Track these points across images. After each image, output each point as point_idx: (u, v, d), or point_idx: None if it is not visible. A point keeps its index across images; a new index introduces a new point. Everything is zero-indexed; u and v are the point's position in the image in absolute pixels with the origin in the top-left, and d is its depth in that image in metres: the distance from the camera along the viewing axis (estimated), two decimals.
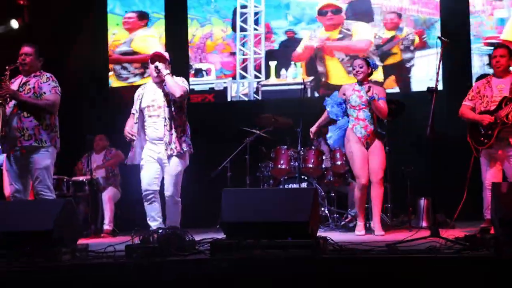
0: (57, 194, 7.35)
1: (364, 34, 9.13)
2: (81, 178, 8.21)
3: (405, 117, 7.40)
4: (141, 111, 5.86)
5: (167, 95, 5.76)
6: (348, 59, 8.98)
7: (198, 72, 9.68)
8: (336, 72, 9.18)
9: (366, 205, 6.71)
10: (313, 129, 6.89)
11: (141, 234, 4.66)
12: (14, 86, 5.82)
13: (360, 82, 6.46)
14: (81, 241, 4.98)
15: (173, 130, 5.70)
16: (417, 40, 8.92)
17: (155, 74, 5.80)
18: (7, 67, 5.83)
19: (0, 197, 7.21)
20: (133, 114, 5.92)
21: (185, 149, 5.76)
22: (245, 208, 4.55)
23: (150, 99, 5.83)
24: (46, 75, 5.92)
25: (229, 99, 9.55)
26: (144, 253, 4.33)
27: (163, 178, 5.79)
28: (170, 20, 9.78)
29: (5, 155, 5.91)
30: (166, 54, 6.01)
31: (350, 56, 8.99)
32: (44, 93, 5.82)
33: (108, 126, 8.69)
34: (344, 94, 6.52)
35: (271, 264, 4.08)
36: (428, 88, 5.28)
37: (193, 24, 9.69)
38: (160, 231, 4.73)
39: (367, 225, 6.66)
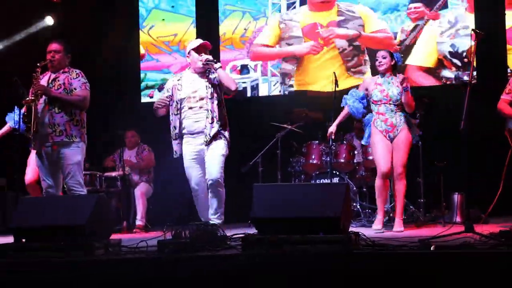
0: (90, 190, 7.44)
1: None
2: (113, 174, 8.27)
3: (438, 111, 7.32)
4: (178, 102, 5.78)
5: (211, 87, 5.71)
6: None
7: (244, 68, 9.65)
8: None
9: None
10: (332, 129, 6.62)
11: (173, 229, 4.67)
12: (43, 82, 5.87)
13: (382, 74, 6.34)
14: (114, 236, 5.01)
15: (215, 123, 5.68)
16: None
17: (201, 65, 5.73)
18: (38, 64, 5.89)
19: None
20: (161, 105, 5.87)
21: (227, 140, 5.76)
22: (276, 203, 4.54)
23: (190, 90, 5.76)
24: (76, 71, 5.95)
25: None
26: (176, 248, 4.35)
27: None
28: (201, 13, 9.80)
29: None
30: (209, 43, 5.95)
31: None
32: (75, 89, 5.86)
33: (140, 121, 8.74)
34: (366, 89, 6.40)
35: (302, 259, 4.06)
36: (462, 81, 5.21)
37: (245, 17, 9.65)
38: (192, 226, 4.74)
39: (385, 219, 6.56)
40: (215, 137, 5.68)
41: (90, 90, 5.95)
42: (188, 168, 5.81)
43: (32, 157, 6.83)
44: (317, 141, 8.07)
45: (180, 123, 5.77)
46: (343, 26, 9.18)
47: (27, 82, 6.03)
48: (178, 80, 5.87)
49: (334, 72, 7.11)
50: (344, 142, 8.03)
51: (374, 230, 6.15)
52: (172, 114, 5.83)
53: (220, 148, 5.70)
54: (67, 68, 5.96)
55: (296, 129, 8.18)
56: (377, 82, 6.35)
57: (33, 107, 5.73)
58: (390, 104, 6.25)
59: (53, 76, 5.92)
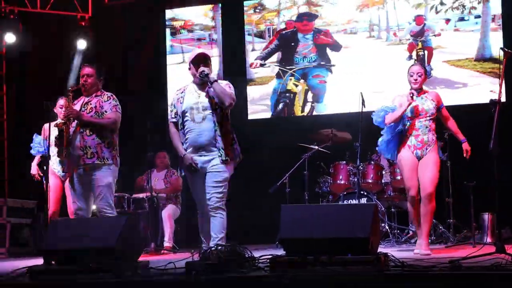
0: (118, 211, 7.48)
1: None
2: (141, 195, 8.32)
3: (467, 130, 7.25)
4: (181, 114, 5.49)
5: (213, 98, 5.40)
6: None
7: None
8: None
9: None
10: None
11: (201, 250, 4.67)
12: (77, 107, 5.95)
13: (417, 91, 6.14)
14: (142, 258, 5.03)
15: (219, 136, 5.38)
16: None
17: (200, 78, 5.42)
18: (70, 88, 5.97)
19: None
20: (173, 122, 5.54)
21: (234, 157, 5.47)
22: (304, 224, 4.52)
23: (193, 101, 5.45)
24: (107, 94, 6.02)
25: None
26: (204, 270, 4.34)
27: None
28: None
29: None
30: (209, 53, 5.65)
31: None
32: (106, 111, 5.91)
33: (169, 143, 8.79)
34: (401, 105, 6.14)
35: (331, 280, 4.03)
36: (491, 100, 5.16)
37: None
38: (220, 247, 4.74)
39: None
40: (223, 156, 5.36)
41: (121, 112, 6.00)
42: (191, 184, 5.55)
43: (52, 184, 6.90)
44: (344, 162, 8.05)
45: (184, 137, 5.48)
46: None
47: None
48: (181, 93, 5.57)
49: (361, 92, 7.10)
50: (372, 162, 7.99)
51: (414, 253, 5.99)
52: (180, 130, 5.54)
53: (225, 171, 5.39)
54: (100, 91, 6.03)
55: (323, 149, 8.17)
56: (409, 98, 6.12)
57: (64, 130, 5.81)
58: (425, 119, 6.08)
59: (86, 99, 5.99)
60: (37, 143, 7.20)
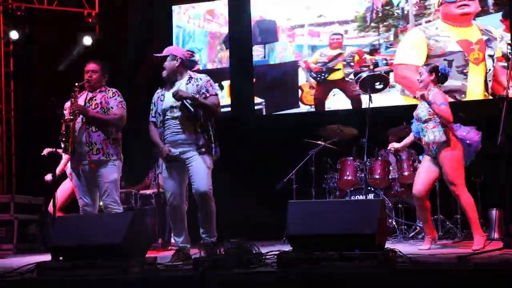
0: (125, 208, 7.49)
1: None
2: (148, 192, 8.33)
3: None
4: (161, 113, 5.58)
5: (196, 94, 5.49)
6: None
7: None
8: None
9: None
10: (397, 146, 6.41)
11: (208, 246, 4.67)
12: (80, 101, 5.96)
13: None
14: (149, 254, 5.04)
15: (200, 133, 5.47)
16: None
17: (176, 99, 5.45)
18: (76, 84, 5.98)
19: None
20: (153, 122, 5.67)
21: (210, 151, 5.52)
22: (311, 220, 4.51)
23: (173, 99, 5.50)
24: (112, 90, 6.03)
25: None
26: (211, 266, 4.35)
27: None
28: None
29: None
30: (176, 50, 5.76)
31: None
32: (111, 108, 5.93)
33: None
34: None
35: (339, 276, 4.02)
36: (498, 96, 5.14)
37: None
38: (227, 243, 4.74)
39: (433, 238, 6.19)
40: (201, 149, 5.47)
41: (126, 109, 6.01)
42: (166, 180, 5.65)
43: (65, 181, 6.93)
44: (351, 157, 8.04)
45: (164, 135, 5.59)
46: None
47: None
48: (162, 91, 5.68)
49: (368, 89, 7.09)
50: (379, 158, 7.98)
51: (419, 249, 5.94)
52: (159, 128, 5.64)
53: (206, 160, 5.49)
54: (104, 87, 6.04)
55: (330, 145, 8.16)
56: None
57: (71, 126, 5.82)
58: (419, 124, 6.03)
59: (90, 95, 6.00)
60: None
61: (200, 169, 5.47)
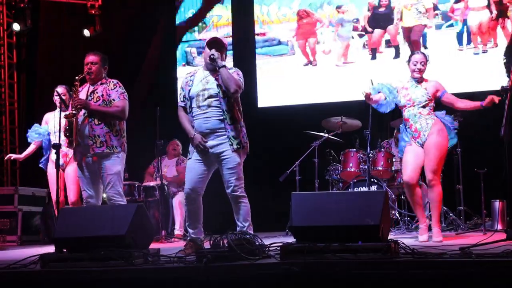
0: (129, 200, 7.51)
1: None
2: (152, 184, 8.34)
3: (478, 117, 7.22)
4: (189, 98, 5.45)
5: (222, 86, 5.35)
6: None
7: None
8: None
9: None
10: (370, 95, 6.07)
11: (211, 238, 4.68)
12: (82, 95, 5.95)
13: (416, 80, 6.04)
14: (153, 246, 5.05)
15: (228, 124, 5.35)
16: None
17: (209, 62, 5.34)
18: (76, 78, 5.96)
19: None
20: (182, 107, 5.51)
21: (244, 144, 5.45)
22: (314, 212, 4.51)
23: (200, 87, 5.40)
24: (113, 82, 6.01)
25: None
26: (214, 258, 4.35)
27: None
28: None
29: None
30: (225, 41, 5.54)
31: None
32: (113, 100, 5.92)
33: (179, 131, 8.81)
34: (397, 91, 6.09)
35: (342, 268, 4.03)
36: (502, 87, 5.12)
37: None
38: (230, 235, 4.74)
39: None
40: (234, 144, 5.35)
41: (128, 100, 6.00)
42: (189, 168, 5.48)
43: (51, 173, 6.96)
44: (354, 149, 8.04)
45: (193, 122, 5.45)
46: None
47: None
48: (190, 76, 5.53)
49: (371, 79, 7.06)
50: (382, 149, 7.97)
51: (419, 241, 5.90)
52: (188, 113, 5.50)
53: (236, 157, 5.38)
54: (105, 79, 6.02)
55: (333, 137, 8.16)
56: (404, 86, 6.09)
57: (74, 121, 5.82)
58: (413, 108, 5.98)
59: (91, 88, 5.98)
60: (35, 132, 7.31)
61: (230, 167, 5.37)
